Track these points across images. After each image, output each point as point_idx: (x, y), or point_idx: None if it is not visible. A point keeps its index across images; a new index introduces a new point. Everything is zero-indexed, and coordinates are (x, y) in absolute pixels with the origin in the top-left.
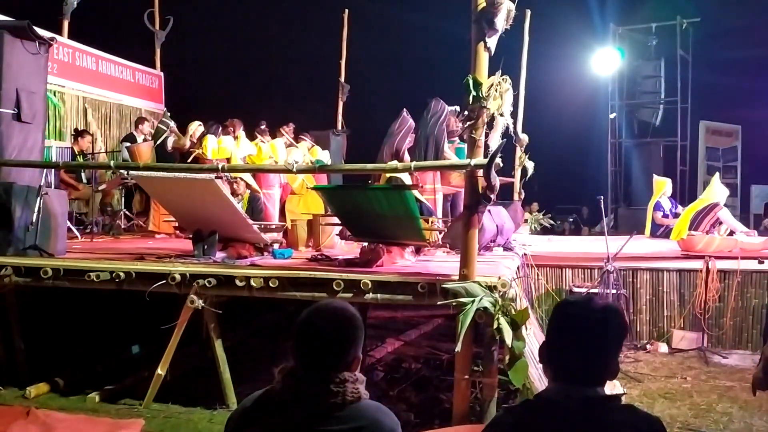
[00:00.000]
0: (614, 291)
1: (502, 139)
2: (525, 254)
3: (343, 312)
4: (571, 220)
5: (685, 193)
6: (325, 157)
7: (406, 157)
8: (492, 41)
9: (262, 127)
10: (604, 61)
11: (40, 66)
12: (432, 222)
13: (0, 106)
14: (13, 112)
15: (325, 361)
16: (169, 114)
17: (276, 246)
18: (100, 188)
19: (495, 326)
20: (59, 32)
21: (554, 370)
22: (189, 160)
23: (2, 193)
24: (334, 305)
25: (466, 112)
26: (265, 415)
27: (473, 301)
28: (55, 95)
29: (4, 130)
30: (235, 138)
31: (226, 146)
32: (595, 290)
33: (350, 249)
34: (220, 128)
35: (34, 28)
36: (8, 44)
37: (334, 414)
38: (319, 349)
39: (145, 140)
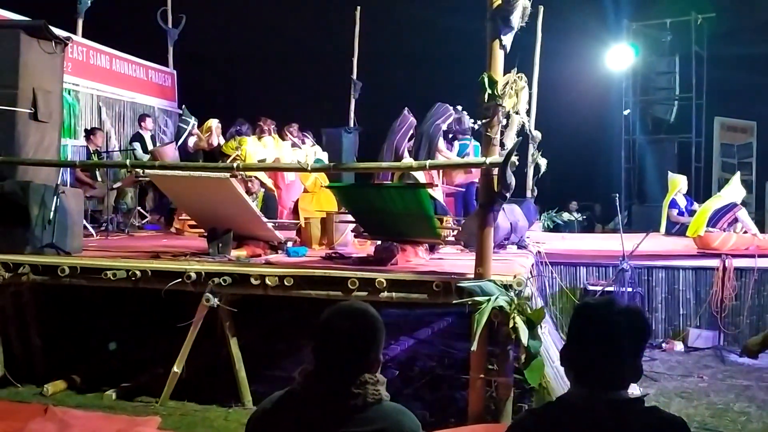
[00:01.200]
0: (630, 289)
1: (517, 137)
2: (539, 252)
3: (363, 314)
4: (584, 217)
5: (699, 190)
6: (324, 157)
7: (405, 155)
8: (507, 39)
9: (272, 126)
10: (618, 57)
11: (56, 65)
12: (446, 221)
13: (16, 106)
14: (29, 111)
15: (345, 363)
16: (188, 111)
17: (290, 244)
18: (114, 186)
19: (511, 325)
20: (73, 31)
21: (576, 374)
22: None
23: (19, 191)
24: (355, 307)
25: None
26: (285, 417)
27: (489, 300)
28: (69, 94)
29: (21, 130)
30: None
31: (268, 147)
32: (611, 288)
33: (363, 247)
34: (247, 126)
35: (50, 27)
36: (24, 44)
37: (355, 416)
38: (339, 350)
39: (152, 137)
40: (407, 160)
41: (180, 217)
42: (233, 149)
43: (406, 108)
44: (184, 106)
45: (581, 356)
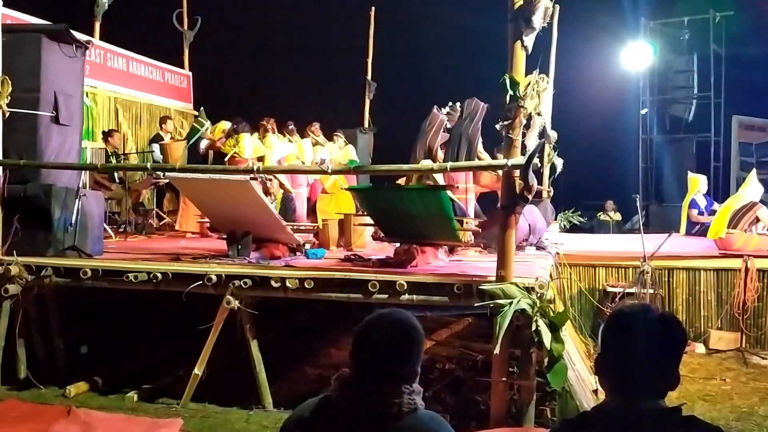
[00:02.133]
0: (651, 291)
1: (539, 138)
2: (557, 253)
3: (403, 325)
4: (620, 219)
5: (718, 190)
6: (355, 157)
7: (440, 154)
8: (529, 39)
9: (290, 127)
10: (635, 55)
11: (77, 69)
12: (466, 222)
13: (38, 109)
14: (51, 114)
15: (382, 372)
16: (205, 114)
17: (308, 246)
18: (132, 188)
19: (533, 328)
20: (91, 34)
21: (612, 383)
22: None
23: (42, 195)
24: (396, 316)
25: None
26: (320, 425)
27: (511, 303)
28: (87, 96)
29: (42, 133)
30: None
31: (271, 144)
32: (632, 290)
33: (381, 249)
34: (244, 124)
35: (71, 31)
36: (46, 48)
37: (390, 424)
38: (377, 360)
39: (172, 138)
40: (428, 163)
41: (199, 220)
42: (231, 147)
43: (435, 106)
44: (202, 108)
45: (617, 365)
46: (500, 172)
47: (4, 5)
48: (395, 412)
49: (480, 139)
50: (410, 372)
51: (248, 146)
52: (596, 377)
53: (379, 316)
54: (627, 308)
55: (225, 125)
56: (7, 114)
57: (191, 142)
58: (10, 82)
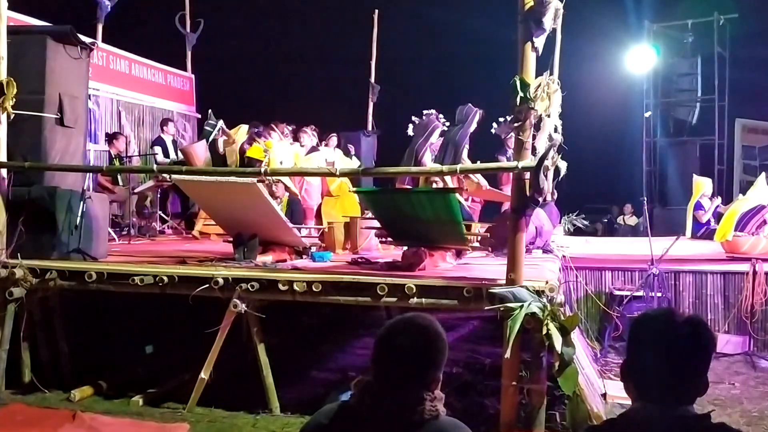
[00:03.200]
0: (658, 294)
1: (549, 141)
2: (564, 256)
3: (426, 331)
4: (606, 220)
5: (722, 193)
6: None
7: (425, 161)
8: (539, 41)
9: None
10: (639, 58)
11: (82, 71)
12: (474, 227)
13: (43, 111)
14: (56, 116)
15: (404, 380)
16: (213, 115)
17: (314, 249)
18: (136, 190)
19: (544, 332)
20: (94, 36)
21: (640, 389)
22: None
23: (46, 197)
24: (418, 322)
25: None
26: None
27: (521, 307)
28: (90, 98)
29: (47, 135)
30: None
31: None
32: (639, 293)
33: (387, 251)
34: (262, 128)
35: (76, 33)
36: (51, 49)
37: (412, 431)
38: (399, 368)
39: (173, 141)
40: (437, 165)
41: (206, 223)
42: (261, 153)
43: (433, 111)
44: (210, 111)
45: (645, 371)
46: (480, 179)
47: (9, 8)
48: (417, 419)
49: (467, 146)
50: (433, 379)
51: (278, 156)
52: (622, 383)
53: (402, 321)
54: (652, 312)
55: (244, 128)
56: (12, 116)
57: (208, 142)
58: (15, 84)
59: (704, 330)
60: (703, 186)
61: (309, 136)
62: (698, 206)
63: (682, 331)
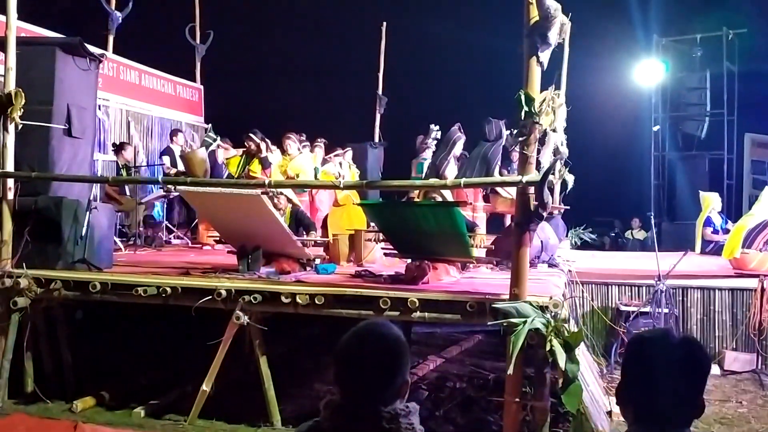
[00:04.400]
0: (666, 310)
1: (554, 155)
2: (569, 270)
3: (384, 337)
4: (613, 234)
5: (731, 209)
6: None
7: (446, 173)
8: (545, 56)
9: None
10: (648, 72)
11: (91, 82)
12: (478, 235)
13: (51, 122)
14: (64, 127)
15: (370, 391)
16: (213, 129)
17: (318, 261)
18: (143, 201)
19: (547, 348)
20: (104, 47)
21: (637, 412)
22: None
23: (52, 207)
24: (374, 329)
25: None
26: None
27: (525, 322)
28: (99, 109)
29: (55, 145)
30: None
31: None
32: (646, 309)
33: (392, 263)
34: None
35: (85, 44)
36: (60, 61)
37: None
38: (362, 379)
39: (182, 151)
40: (434, 180)
41: (209, 233)
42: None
43: (457, 124)
44: (210, 125)
45: (641, 393)
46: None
47: (22, 19)
48: None
49: (498, 162)
50: (401, 385)
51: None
52: (618, 407)
53: (357, 333)
54: (647, 334)
55: (237, 157)
56: (20, 126)
57: (207, 151)
58: (23, 95)
59: (699, 351)
60: (711, 201)
61: (320, 149)
62: (708, 222)
63: (678, 353)
